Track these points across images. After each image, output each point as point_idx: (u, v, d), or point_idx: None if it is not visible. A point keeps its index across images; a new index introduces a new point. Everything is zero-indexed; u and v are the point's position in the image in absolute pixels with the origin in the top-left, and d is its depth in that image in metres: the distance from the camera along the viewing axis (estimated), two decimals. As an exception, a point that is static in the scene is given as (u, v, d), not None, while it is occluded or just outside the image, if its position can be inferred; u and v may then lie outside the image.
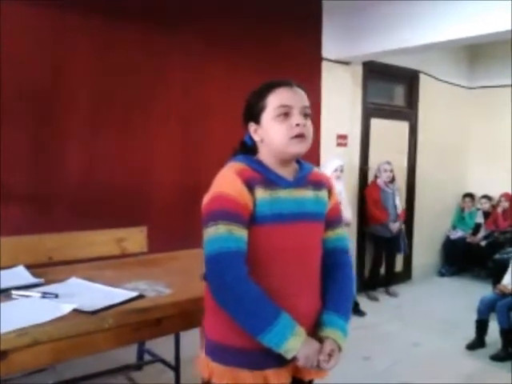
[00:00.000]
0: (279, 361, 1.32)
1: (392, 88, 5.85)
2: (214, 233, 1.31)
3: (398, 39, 4.32)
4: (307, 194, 1.45)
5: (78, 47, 3.31)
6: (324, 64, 4.78)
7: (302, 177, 1.46)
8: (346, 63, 4.98)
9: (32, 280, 1.97)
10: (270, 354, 1.30)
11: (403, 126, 5.82)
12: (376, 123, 5.45)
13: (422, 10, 4.07)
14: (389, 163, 5.19)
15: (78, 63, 3.32)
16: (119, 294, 1.79)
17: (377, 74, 5.39)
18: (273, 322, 1.26)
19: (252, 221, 1.34)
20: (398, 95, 5.89)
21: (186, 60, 3.81)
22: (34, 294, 1.77)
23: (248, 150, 1.48)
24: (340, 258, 1.52)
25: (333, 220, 1.52)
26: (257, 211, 1.34)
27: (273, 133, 1.38)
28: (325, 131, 4.82)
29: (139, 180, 3.61)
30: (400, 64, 5.46)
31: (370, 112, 5.37)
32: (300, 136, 1.38)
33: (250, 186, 1.34)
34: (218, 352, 1.39)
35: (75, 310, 1.61)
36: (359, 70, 5.18)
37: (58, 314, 1.57)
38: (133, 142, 3.60)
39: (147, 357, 3.23)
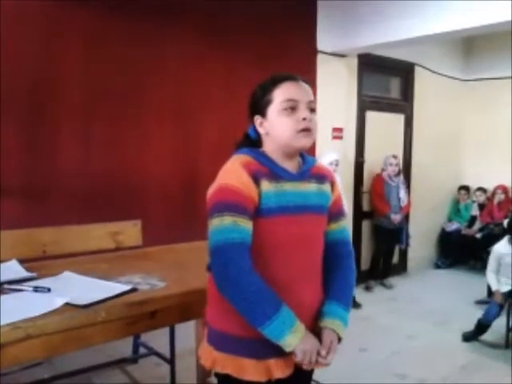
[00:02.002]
0: (282, 350, 1.33)
1: (387, 81, 5.85)
2: (219, 224, 1.32)
3: (393, 31, 4.30)
4: (311, 187, 1.47)
5: (71, 39, 3.29)
6: (319, 56, 4.77)
7: (305, 170, 1.48)
8: (342, 56, 4.97)
9: (25, 274, 1.96)
10: (273, 344, 1.32)
11: (398, 119, 5.82)
12: (371, 116, 5.44)
13: (419, 2, 4.05)
14: (395, 157, 5.25)
15: (71, 54, 3.30)
16: (112, 288, 1.78)
17: (372, 66, 5.38)
18: (272, 316, 1.28)
19: (257, 213, 1.36)
20: (394, 88, 5.88)
21: (180, 52, 3.79)
22: (27, 288, 1.76)
23: (251, 142, 1.49)
24: (343, 249, 1.55)
25: (336, 212, 1.55)
26: (262, 203, 1.36)
27: (279, 126, 1.40)
28: (320, 124, 4.73)
29: (134, 173, 3.60)
30: (395, 56, 5.45)
31: (365, 105, 5.37)
32: (306, 130, 1.40)
33: (256, 179, 1.36)
34: (221, 341, 1.41)
35: (67, 304, 1.61)
36: (354, 62, 5.16)
37: (50, 308, 1.56)
38: (127, 135, 3.58)
39: (142, 350, 3.24)
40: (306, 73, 4.65)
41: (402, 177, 5.35)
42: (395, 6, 4.23)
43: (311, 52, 4.70)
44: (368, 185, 5.46)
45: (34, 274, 1.97)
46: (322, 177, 1.52)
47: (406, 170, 5.89)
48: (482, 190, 6.29)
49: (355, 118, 5.27)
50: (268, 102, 1.42)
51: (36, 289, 1.74)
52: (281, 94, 1.41)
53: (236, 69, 4.01)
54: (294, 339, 1.30)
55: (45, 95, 3.22)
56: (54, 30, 3.21)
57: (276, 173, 1.41)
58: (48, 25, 3.19)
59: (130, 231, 2.91)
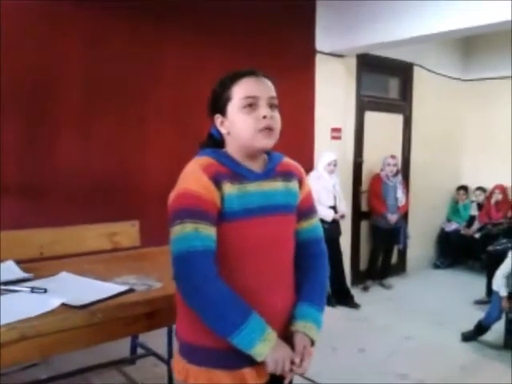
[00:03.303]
0: (255, 359, 1.28)
1: (386, 81, 5.84)
2: (180, 232, 1.27)
3: (391, 31, 4.30)
4: (277, 185, 1.40)
5: (71, 38, 3.29)
6: (318, 57, 4.77)
7: (270, 169, 1.42)
8: (340, 56, 4.96)
9: (21, 275, 1.96)
10: (246, 353, 1.27)
11: (397, 119, 5.82)
12: (370, 116, 5.44)
13: (417, 1, 4.05)
14: (393, 157, 5.26)
15: (71, 54, 3.30)
16: (109, 289, 1.78)
17: (371, 66, 5.37)
18: (241, 326, 1.23)
19: (220, 217, 1.30)
20: (392, 88, 5.88)
21: (180, 52, 3.79)
22: (23, 288, 1.76)
23: (215, 142, 1.43)
24: (315, 248, 1.50)
25: (306, 210, 1.48)
26: (225, 207, 1.30)
27: (239, 125, 1.34)
28: (319, 124, 4.81)
29: (132, 174, 3.60)
30: (394, 56, 5.44)
31: (364, 105, 5.36)
32: (267, 129, 1.33)
33: (217, 181, 1.30)
34: (192, 353, 1.36)
35: (63, 305, 1.60)
36: (353, 62, 5.16)
37: (46, 309, 1.56)
38: (126, 135, 3.58)
39: (140, 351, 3.23)
40: (305, 73, 4.66)
41: (400, 177, 5.35)
42: (393, 5, 4.23)
43: (310, 52, 4.70)
44: (367, 185, 5.46)
45: (30, 275, 1.96)
46: (288, 174, 1.45)
47: (405, 169, 5.88)
48: (481, 189, 6.28)
49: (354, 118, 5.27)
50: (227, 100, 1.36)
51: (32, 289, 1.74)
52: (240, 91, 1.34)
53: (235, 69, 4.00)
54: (265, 348, 1.25)
55: (44, 95, 3.22)
56: (54, 29, 3.21)
57: (239, 173, 1.35)
58: (48, 25, 3.19)
59: (128, 232, 2.91)
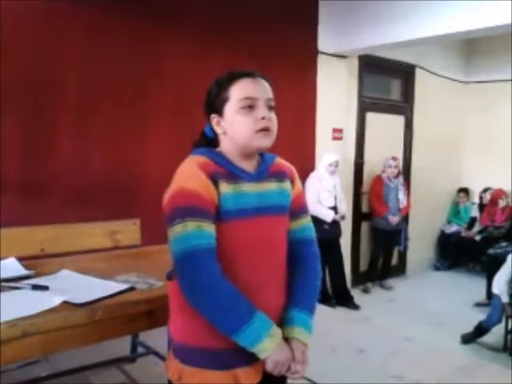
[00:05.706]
0: (249, 359, 1.29)
1: (388, 82, 5.85)
2: (183, 231, 1.25)
3: (394, 33, 4.31)
4: (270, 186, 1.40)
5: (70, 38, 3.29)
6: (320, 57, 4.77)
7: (264, 169, 1.41)
8: (342, 57, 4.97)
9: (23, 272, 1.96)
10: (240, 353, 1.27)
11: (399, 120, 5.82)
12: (371, 117, 5.45)
13: (419, 3, 4.06)
14: (394, 159, 5.26)
15: (70, 53, 3.30)
16: (110, 287, 1.78)
17: (373, 67, 5.38)
18: (248, 321, 1.23)
19: (216, 216, 1.29)
20: (394, 89, 5.88)
21: (180, 51, 3.79)
22: (25, 286, 1.76)
23: (208, 141, 1.43)
24: (305, 249, 1.47)
25: (296, 210, 1.47)
26: (221, 206, 1.29)
27: (237, 126, 1.33)
28: (320, 125, 4.81)
29: (132, 172, 3.60)
30: (396, 58, 5.45)
31: (365, 106, 5.37)
32: (265, 130, 1.33)
33: (214, 180, 1.29)
34: (186, 353, 1.35)
35: (65, 303, 1.61)
36: (355, 63, 5.17)
37: (48, 306, 1.56)
38: (127, 133, 3.59)
39: (141, 349, 3.23)
40: (307, 73, 4.66)
41: (401, 178, 5.35)
42: (396, 7, 4.23)
43: (312, 53, 4.71)
44: (367, 186, 5.46)
45: (32, 272, 1.96)
46: (281, 174, 1.45)
47: (406, 171, 5.89)
48: (488, 190, 6.21)
49: (355, 119, 5.27)
50: (225, 100, 1.35)
51: (34, 287, 1.74)
52: (238, 92, 1.34)
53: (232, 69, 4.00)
54: (271, 344, 1.25)
55: (44, 94, 3.22)
56: (53, 28, 3.21)
57: (234, 173, 1.34)
58: (47, 24, 3.19)
59: (129, 230, 2.90)
